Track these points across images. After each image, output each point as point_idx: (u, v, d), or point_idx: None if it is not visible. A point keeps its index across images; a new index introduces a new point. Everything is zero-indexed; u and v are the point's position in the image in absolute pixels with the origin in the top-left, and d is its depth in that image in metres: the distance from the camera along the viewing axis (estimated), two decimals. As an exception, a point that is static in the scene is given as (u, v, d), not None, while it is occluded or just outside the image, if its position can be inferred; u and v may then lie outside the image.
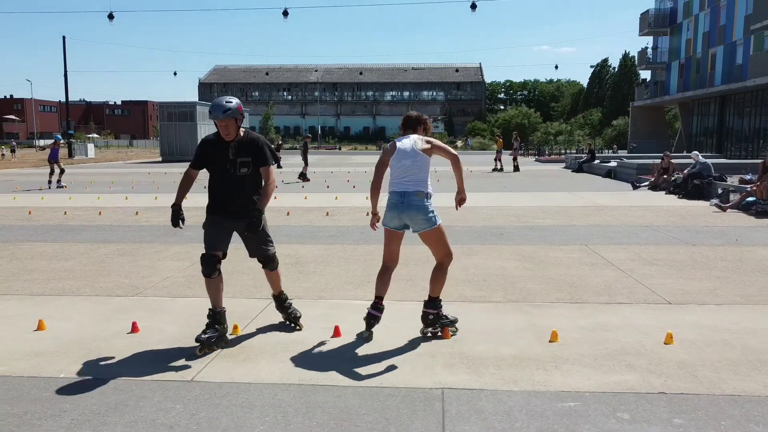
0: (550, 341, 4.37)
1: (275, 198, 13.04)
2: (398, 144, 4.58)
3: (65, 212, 12.14)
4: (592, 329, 4.65)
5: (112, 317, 5.04)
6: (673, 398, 3.44)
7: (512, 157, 27.77)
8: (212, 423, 3.17)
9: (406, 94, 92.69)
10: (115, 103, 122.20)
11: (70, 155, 44.18)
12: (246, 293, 5.82)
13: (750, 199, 11.52)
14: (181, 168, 29.53)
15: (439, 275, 4.63)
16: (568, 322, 4.80)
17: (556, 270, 6.68)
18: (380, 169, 4.64)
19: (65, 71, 42.48)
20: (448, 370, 3.87)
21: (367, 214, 4.42)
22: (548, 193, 16.16)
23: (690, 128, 40.57)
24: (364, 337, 4.47)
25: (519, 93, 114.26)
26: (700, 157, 15.42)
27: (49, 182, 18.63)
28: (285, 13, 29.23)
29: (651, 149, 37.13)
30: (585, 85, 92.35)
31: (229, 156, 4.32)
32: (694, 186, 14.18)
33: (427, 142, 4.55)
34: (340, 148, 69.82)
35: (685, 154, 27.26)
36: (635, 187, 16.91)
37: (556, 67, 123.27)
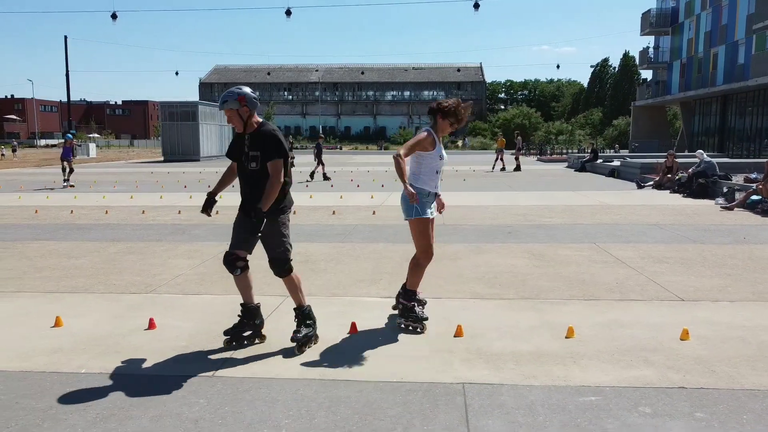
0: (566, 337, 4.39)
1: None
2: None
3: (71, 211, 12.16)
4: (607, 326, 4.67)
5: (127, 314, 5.05)
6: (693, 393, 3.46)
7: (514, 156, 27.79)
8: (237, 417, 3.19)
9: (406, 93, 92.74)
10: (115, 102, 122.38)
11: (72, 155, 44.21)
12: (258, 291, 5.81)
13: (755, 197, 11.54)
14: (184, 168, 29.67)
15: (413, 269, 4.74)
16: (583, 319, 4.82)
17: (567, 268, 6.70)
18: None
19: (67, 71, 42.52)
20: (466, 365, 3.89)
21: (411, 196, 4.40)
22: (553, 192, 16.18)
23: (691, 128, 40.60)
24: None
25: (519, 93, 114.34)
26: (705, 156, 15.44)
27: (64, 180, 18.65)
28: (288, 13, 29.26)
29: (652, 149, 37.18)
30: (585, 84, 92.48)
31: (244, 149, 4.19)
32: (699, 185, 14.20)
33: None
34: (341, 148, 69.87)
35: (686, 153, 27.31)
36: (640, 186, 16.93)
37: (558, 66, 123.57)
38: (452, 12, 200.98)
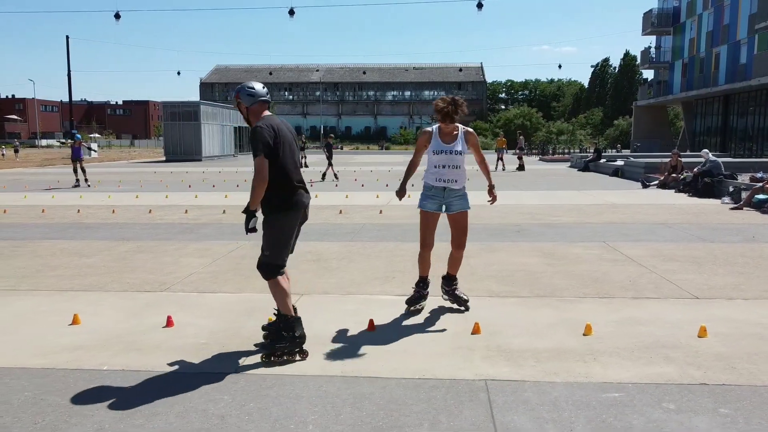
0: (584, 334, 4.40)
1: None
2: None
3: (78, 210, 12.18)
4: (624, 323, 4.68)
5: (144, 312, 5.06)
6: (715, 389, 3.47)
7: (517, 156, 27.82)
8: (263, 413, 3.20)
9: (407, 93, 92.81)
10: (116, 102, 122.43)
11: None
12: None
13: (761, 196, 11.55)
14: (186, 167, 29.74)
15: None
16: (599, 317, 4.83)
17: (579, 266, 6.71)
18: None
19: (68, 71, 42.44)
20: (487, 362, 3.90)
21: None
22: (558, 191, 16.20)
23: (693, 127, 40.62)
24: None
25: (520, 93, 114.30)
26: (711, 155, 15.44)
27: (84, 180, 18.67)
28: (291, 12, 29.29)
29: (654, 148, 37.21)
30: (586, 84, 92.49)
31: None
32: (705, 184, 14.21)
33: None
34: (342, 148, 69.83)
35: (688, 153, 27.31)
36: (645, 186, 16.94)
37: (560, 66, 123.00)
38: (453, 12, 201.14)
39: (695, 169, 15.29)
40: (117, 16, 30.67)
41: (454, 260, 5.17)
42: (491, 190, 5.16)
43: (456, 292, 5.13)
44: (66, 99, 44.75)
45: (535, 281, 6.04)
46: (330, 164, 21.19)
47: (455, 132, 4.90)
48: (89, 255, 7.52)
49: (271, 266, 4.00)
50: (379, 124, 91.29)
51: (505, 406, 3.26)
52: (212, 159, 39.67)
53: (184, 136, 38.31)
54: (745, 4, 33.06)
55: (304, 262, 6.92)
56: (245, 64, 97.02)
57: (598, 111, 75.99)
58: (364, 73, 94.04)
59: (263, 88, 4.18)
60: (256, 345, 4.17)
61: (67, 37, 41.43)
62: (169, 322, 4.66)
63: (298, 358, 3.96)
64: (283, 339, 3.95)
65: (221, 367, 3.86)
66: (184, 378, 3.69)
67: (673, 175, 16.28)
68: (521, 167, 26.49)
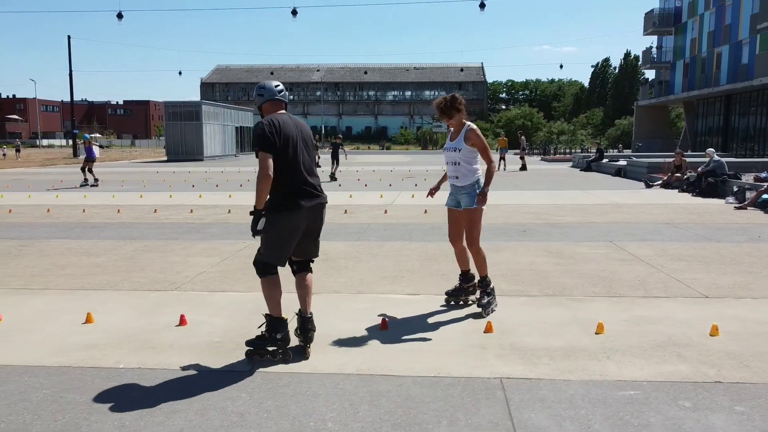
0: (596, 333, 4.42)
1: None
2: None
3: (83, 210, 12.20)
4: (635, 322, 4.69)
5: (156, 311, 5.08)
6: (729, 387, 3.49)
7: (519, 156, 27.84)
8: (281, 411, 3.22)
9: (408, 93, 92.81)
10: (117, 102, 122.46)
11: (75, 155, 44.25)
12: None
13: (767, 196, 11.57)
14: (188, 167, 29.78)
15: None
16: (610, 315, 4.85)
17: (587, 265, 6.73)
18: None
19: (70, 71, 42.45)
20: (501, 360, 3.92)
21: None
22: (561, 191, 16.22)
23: (694, 127, 40.63)
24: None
25: (521, 93, 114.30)
26: (715, 155, 15.46)
27: (96, 179, 18.74)
28: (294, 12, 29.28)
29: (655, 148, 37.22)
30: (586, 84, 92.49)
31: None
32: (708, 184, 14.23)
33: None
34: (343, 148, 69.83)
35: (690, 153, 27.32)
36: (648, 186, 16.96)
37: (561, 66, 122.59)
38: (453, 12, 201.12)
39: (699, 169, 15.31)
40: (119, 15, 30.67)
41: (466, 257, 5.18)
42: (481, 195, 4.95)
43: (470, 290, 5.13)
44: (67, 99, 44.87)
45: (543, 280, 6.06)
46: (337, 163, 21.37)
47: (460, 129, 4.96)
48: (97, 254, 7.53)
49: (264, 265, 3.97)
50: (380, 124, 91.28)
51: (522, 404, 3.28)
52: (214, 159, 39.70)
53: (186, 136, 38.35)
54: (746, 5, 33.08)
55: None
56: (246, 64, 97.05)
57: (599, 111, 76.02)
58: (365, 73, 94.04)
59: (276, 86, 4.14)
60: (246, 342, 4.03)
61: (69, 37, 41.46)
62: (182, 321, 4.68)
63: (279, 358, 3.91)
64: (265, 339, 3.95)
65: (237, 365, 3.88)
66: (201, 376, 3.71)
67: (677, 174, 16.29)
68: (523, 167, 26.50)
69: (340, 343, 4.27)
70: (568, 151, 49.97)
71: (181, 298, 5.50)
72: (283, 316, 4.01)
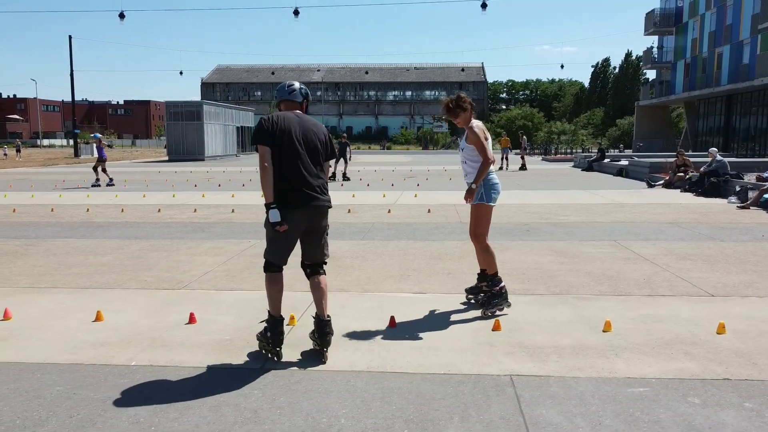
0: (603, 331, 4.45)
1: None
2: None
3: (87, 209, 12.23)
4: (642, 320, 4.72)
5: (165, 309, 5.11)
6: (738, 384, 3.52)
7: (520, 156, 27.87)
8: (294, 407, 3.24)
9: (408, 93, 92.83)
10: (117, 102, 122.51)
11: (76, 155, 44.30)
12: (288, 287, 5.86)
13: (768, 196, 11.60)
14: (190, 167, 29.77)
15: None
16: (617, 314, 4.87)
17: (592, 264, 6.75)
18: None
19: (71, 71, 42.50)
20: (511, 358, 3.95)
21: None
22: (564, 191, 16.25)
23: (695, 127, 40.66)
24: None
25: (521, 93, 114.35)
26: (718, 155, 15.48)
27: (110, 179, 18.80)
28: (296, 12, 29.32)
29: (656, 148, 37.23)
30: (586, 84, 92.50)
31: None
32: (711, 183, 14.26)
33: None
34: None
35: (690, 153, 27.33)
36: (650, 185, 16.99)
37: (562, 66, 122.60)
38: (454, 12, 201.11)
39: (701, 169, 15.35)
40: (121, 15, 30.71)
41: (476, 252, 5.20)
42: (467, 192, 4.94)
43: (482, 289, 5.10)
44: (67, 99, 44.90)
45: (549, 279, 6.09)
46: (345, 162, 21.28)
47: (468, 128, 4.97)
48: (103, 253, 7.56)
49: (266, 261, 4.02)
50: (381, 124, 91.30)
51: (533, 401, 3.31)
52: (215, 159, 39.73)
53: (187, 136, 38.38)
54: (747, 5, 33.10)
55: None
56: (246, 64, 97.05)
57: (599, 111, 76.01)
58: (366, 73, 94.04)
59: (288, 86, 4.17)
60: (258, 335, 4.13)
61: (70, 37, 41.50)
62: (192, 319, 4.71)
63: (270, 356, 3.95)
64: (263, 334, 4.05)
65: (248, 362, 3.91)
66: (212, 373, 3.74)
67: (680, 174, 16.31)
68: (523, 167, 26.52)
69: (350, 340, 4.29)
70: (569, 151, 49.96)
71: (189, 296, 5.52)
72: (280, 315, 4.01)
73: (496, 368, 3.77)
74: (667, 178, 16.78)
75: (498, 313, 4.89)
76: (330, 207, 4.11)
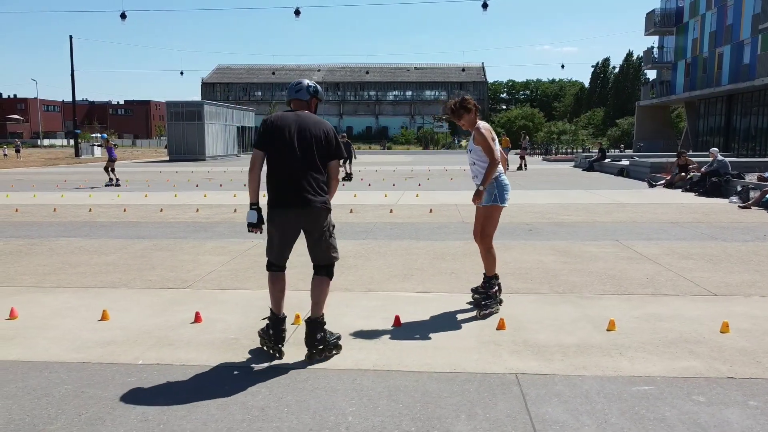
0: (608, 330, 4.47)
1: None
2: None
3: (90, 209, 12.25)
4: (646, 319, 4.74)
5: (170, 308, 5.13)
6: (742, 383, 3.54)
7: (520, 155, 27.89)
8: (302, 405, 3.26)
9: (408, 93, 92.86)
10: (118, 102, 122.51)
11: (77, 155, 44.33)
12: (292, 286, 5.89)
13: (770, 196, 11.61)
14: (191, 167, 29.79)
15: None
16: (621, 313, 4.89)
17: (595, 264, 6.77)
18: None
19: (72, 71, 42.51)
20: (515, 356, 3.97)
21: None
22: (565, 191, 16.27)
23: (696, 127, 40.68)
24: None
25: (521, 93, 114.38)
26: (719, 155, 15.50)
27: (117, 179, 18.89)
28: (297, 12, 29.34)
29: (657, 148, 37.25)
30: (587, 84, 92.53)
31: None
32: (712, 183, 14.27)
33: None
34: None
35: (691, 153, 27.35)
36: (652, 185, 17.01)
37: (563, 66, 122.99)
38: (455, 12, 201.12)
39: (703, 169, 15.36)
40: (123, 15, 30.73)
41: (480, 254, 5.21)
42: (475, 193, 4.96)
43: (480, 291, 5.12)
44: (68, 99, 44.93)
45: (552, 278, 6.11)
46: (348, 161, 21.23)
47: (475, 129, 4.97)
48: (107, 253, 7.58)
49: (267, 260, 4.11)
50: (381, 123, 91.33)
51: (538, 399, 3.33)
52: (216, 159, 39.75)
53: (188, 136, 38.38)
54: (748, 5, 33.12)
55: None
56: (247, 64, 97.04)
57: (600, 111, 76.05)
58: (366, 73, 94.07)
59: (298, 84, 4.16)
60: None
61: (71, 37, 41.52)
62: (197, 318, 4.73)
63: (271, 353, 4.01)
64: (265, 331, 4.11)
65: (254, 361, 3.92)
66: (219, 371, 3.75)
67: (682, 174, 16.33)
68: (521, 167, 26.52)
69: (356, 339, 4.31)
70: (569, 151, 49.98)
71: (194, 296, 5.54)
72: (282, 314, 4.04)
73: (502, 367, 3.79)
74: (668, 178, 16.79)
75: (489, 311, 4.89)
76: (322, 208, 3.96)
